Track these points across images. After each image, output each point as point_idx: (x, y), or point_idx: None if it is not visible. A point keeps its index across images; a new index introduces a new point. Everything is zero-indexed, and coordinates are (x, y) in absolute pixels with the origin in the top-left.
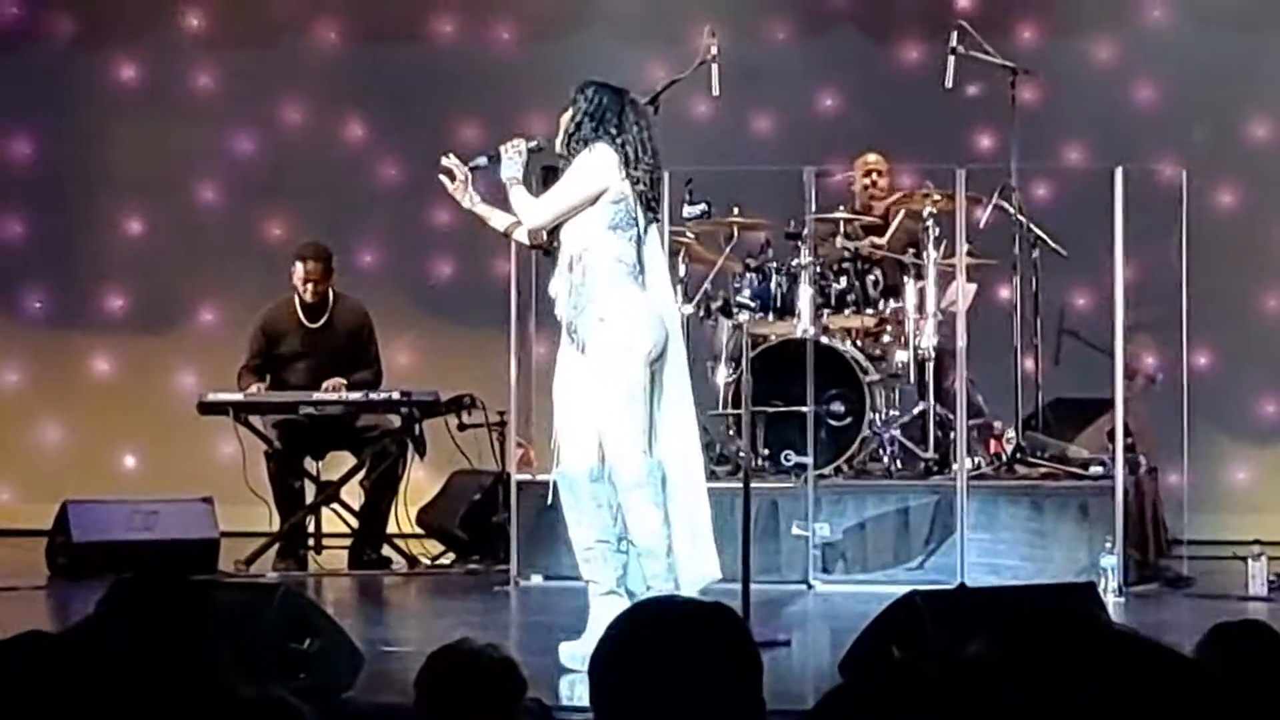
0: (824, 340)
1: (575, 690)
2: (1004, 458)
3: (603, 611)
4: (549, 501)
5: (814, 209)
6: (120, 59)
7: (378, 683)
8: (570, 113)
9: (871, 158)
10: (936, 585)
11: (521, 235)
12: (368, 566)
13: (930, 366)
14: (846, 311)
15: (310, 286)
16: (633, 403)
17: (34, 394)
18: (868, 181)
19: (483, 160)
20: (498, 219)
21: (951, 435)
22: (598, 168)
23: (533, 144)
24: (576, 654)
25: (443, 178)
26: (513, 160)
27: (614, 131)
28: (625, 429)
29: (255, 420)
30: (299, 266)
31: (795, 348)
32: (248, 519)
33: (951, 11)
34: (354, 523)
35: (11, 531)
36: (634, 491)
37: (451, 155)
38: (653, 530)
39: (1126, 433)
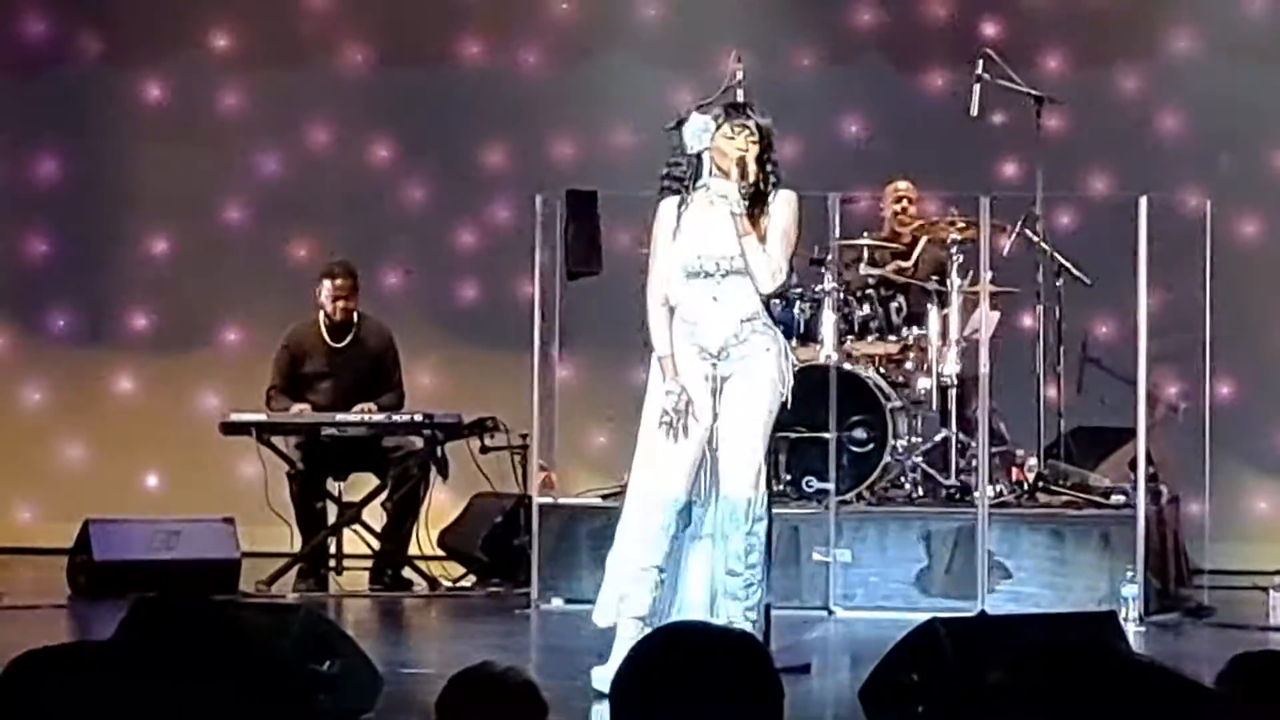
0: (847, 366)
1: (596, 714)
2: (1026, 486)
3: (633, 636)
4: (627, 513)
5: (838, 235)
6: (147, 79)
7: (398, 705)
8: (764, 149)
9: (902, 185)
10: (957, 613)
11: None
12: (388, 587)
13: (953, 394)
14: (870, 338)
15: (339, 303)
16: (766, 439)
17: (57, 413)
18: (898, 208)
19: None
20: (667, 343)
21: (973, 462)
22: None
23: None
24: (609, 678)
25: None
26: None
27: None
28: (759, 464)
29: (278, 441)
30: (326, 283)
31: (818, 374)
32: (269, 539)
33: (977, 40)
34: (375, 544)
35: (33, 550)
36: (757, 525)
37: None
38: (758, 564)
39: (1148, 462)
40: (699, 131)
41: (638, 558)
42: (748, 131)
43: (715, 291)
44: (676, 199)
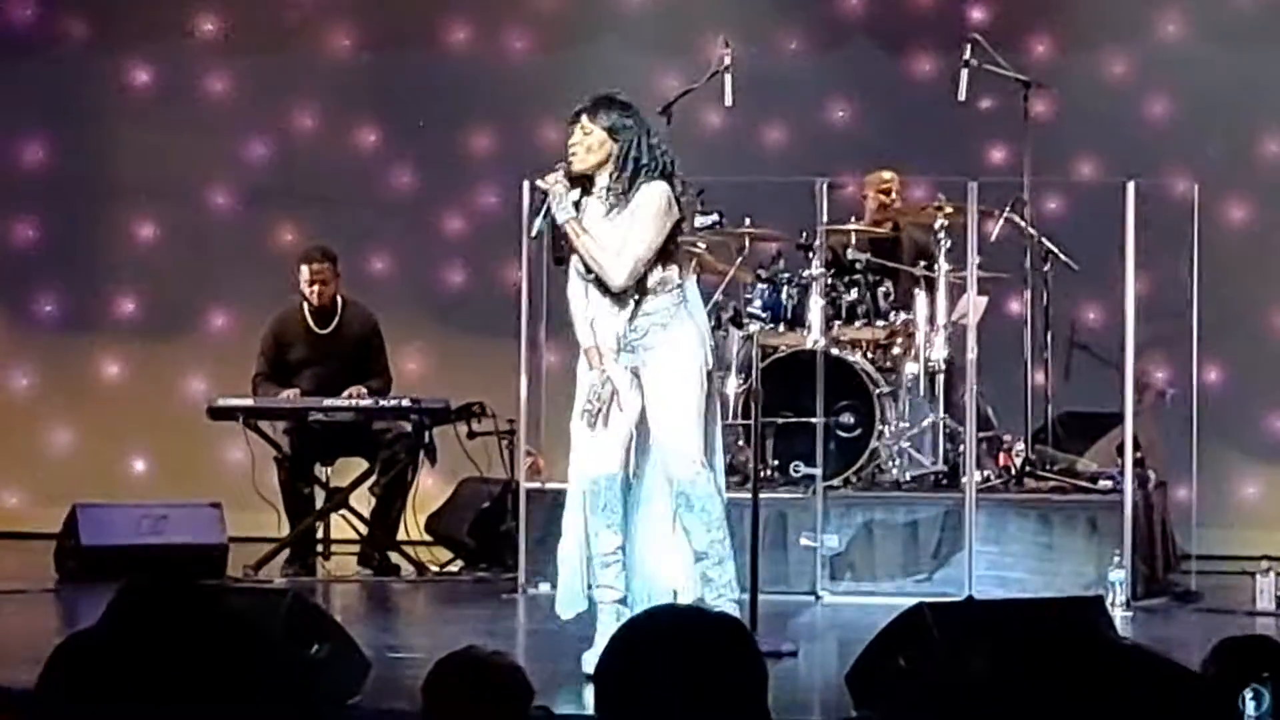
0: (834, 352)
1: (582, 698)
2: (1013, 471)
3: (614, 620)
4: (584, 502)
5: (825, 220)
6: (133, 64)
7: (385, 689)
8: (633, 141)
9: (886, 175)
10: (944, 597)
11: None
12: (375, 572)
13: (940, 379)
14: (857, 323)
15: (317, 288)
16: (699, 418)
17: (44, 398)
18: (885, 199)
19: (539, 222)
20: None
21: (961, 448)
22: (668, 204)
23: (560, 172)
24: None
25: (547, 184)
26: (562, 200)
27: (672, 164)
28: (696, 444)
29: (265, 426)
30: (304, 269)
31: (805, 359)
32: (256, 524)
33: (965, 24)
34: (363, 529)
35: (21, 535)
36: (707, 502)
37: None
38: (721, 539)
39: (1136, 447)
40: None
41: (604, 545)
42: (579, 126)
43: (586, 290)
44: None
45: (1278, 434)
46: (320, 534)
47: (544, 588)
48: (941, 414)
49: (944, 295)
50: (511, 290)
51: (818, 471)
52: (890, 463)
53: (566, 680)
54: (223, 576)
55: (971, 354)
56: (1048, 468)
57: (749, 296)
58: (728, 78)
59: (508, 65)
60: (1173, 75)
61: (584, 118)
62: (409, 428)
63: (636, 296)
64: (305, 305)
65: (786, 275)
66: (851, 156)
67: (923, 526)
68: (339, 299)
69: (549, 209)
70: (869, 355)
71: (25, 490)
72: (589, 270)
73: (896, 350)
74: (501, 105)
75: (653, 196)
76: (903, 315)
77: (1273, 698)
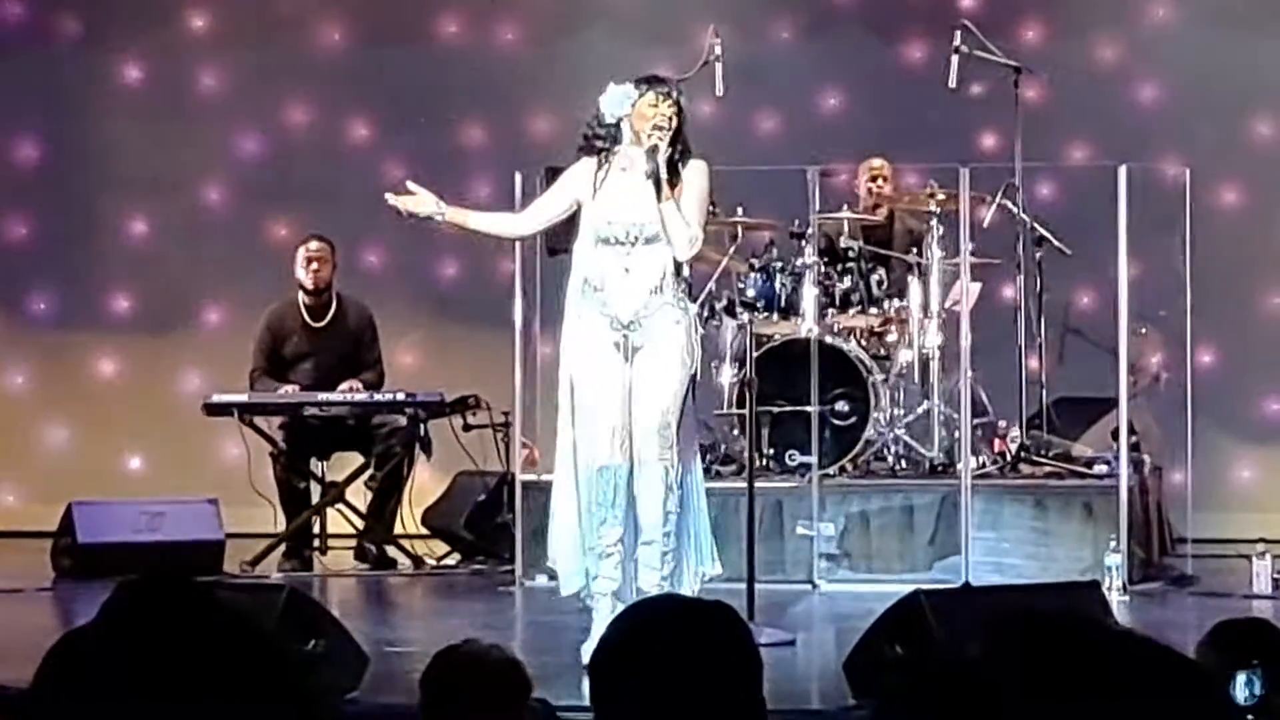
0: (828, 340)
1: (580, 690)
2: (1008, 457)
3: (610, 611)
4: (585, 492)
5: (818, 208)
6: (125, 59)
7: (383, 683)
8: (685, 119)
9: (876, 162)
10: (941, 584)
11: (501, 228)
12: (372, 566)
13: (934, 365)
14: (851, 311)
15: (315, 266)
16: (679, 408)
17: (40, 395)
18: (873, 186)
19: (650, 167)
20: (475, 219)
21: (956, 434)
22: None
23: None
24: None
25: (399, 202)
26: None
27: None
28: (672, 433)
29: (260, 421)
30: (301, 250)
31: (800, 347)
32: (253, 520)
33: (955, 11)
34: (359, 523)
35: (17, 533)
36: (674, 494)
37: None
38: (674, 532)
39: (1131, 431)
40: (620, 99)
41: (607, 536)
42: (670, 100)
43: (626, 262)
44: (594, 161)
45: (1272, 416)
46: (316, 529)
47: (541, 580)
48: (936, 401)
49: (937, 282)
50: (505, 282)
51: (813, 460)
52: (885, 450)
53: (565, 672)
54: (219, 572)
55: (965, 340)
56: (1043, 453)
57: (742, 285)
58: (718, 67)
59: (499, 57)
60: (1163, 59)
61: (671, 93)
62: (404, 421)
63: (664, 273)
64: (300, 298)
65: (780, 264)
66: (843, 144)
67: (918, 514)
68: (334, 293)
69: (655, 159)
70: (863, 343)
71: (21, 488)
72: (628, 239)
73: (891, 337)
74: (493, 97)
75: (704, 171)
76: (896, 302)
77: (1264, 682)
